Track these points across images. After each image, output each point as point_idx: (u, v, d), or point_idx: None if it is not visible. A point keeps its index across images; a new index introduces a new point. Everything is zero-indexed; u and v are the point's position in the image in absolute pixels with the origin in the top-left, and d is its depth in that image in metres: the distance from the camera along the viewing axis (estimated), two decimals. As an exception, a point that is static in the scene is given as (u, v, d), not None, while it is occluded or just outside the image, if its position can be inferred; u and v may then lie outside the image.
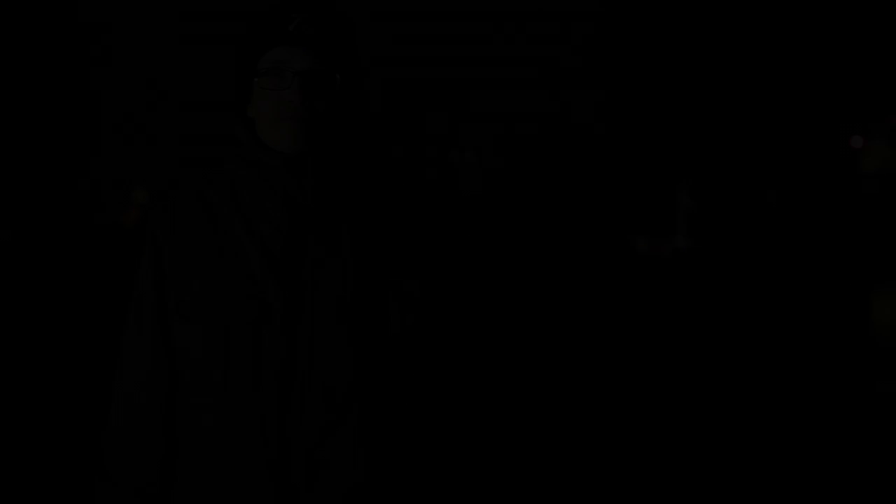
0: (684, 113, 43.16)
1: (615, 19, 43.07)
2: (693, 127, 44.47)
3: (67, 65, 42.24)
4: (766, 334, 19.08)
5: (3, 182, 41.26)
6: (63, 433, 11.54)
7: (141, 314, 3.03)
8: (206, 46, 40.83)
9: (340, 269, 2.90)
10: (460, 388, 3.08)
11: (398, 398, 2.96)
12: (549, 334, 18.02)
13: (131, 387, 3.05)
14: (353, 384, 2.89)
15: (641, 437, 10.82)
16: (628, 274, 32.04)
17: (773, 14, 43.11)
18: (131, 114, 43.48)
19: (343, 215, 2.94)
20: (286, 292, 2.89)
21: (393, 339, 2.93)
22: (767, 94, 43.62)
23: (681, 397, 12.94)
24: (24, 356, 16.83)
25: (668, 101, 42.91)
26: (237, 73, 2.98)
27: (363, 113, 3.00)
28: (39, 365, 16.65)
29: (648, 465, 9.46)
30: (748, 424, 11.36)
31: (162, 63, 42.90)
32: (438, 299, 3.01)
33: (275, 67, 2.87)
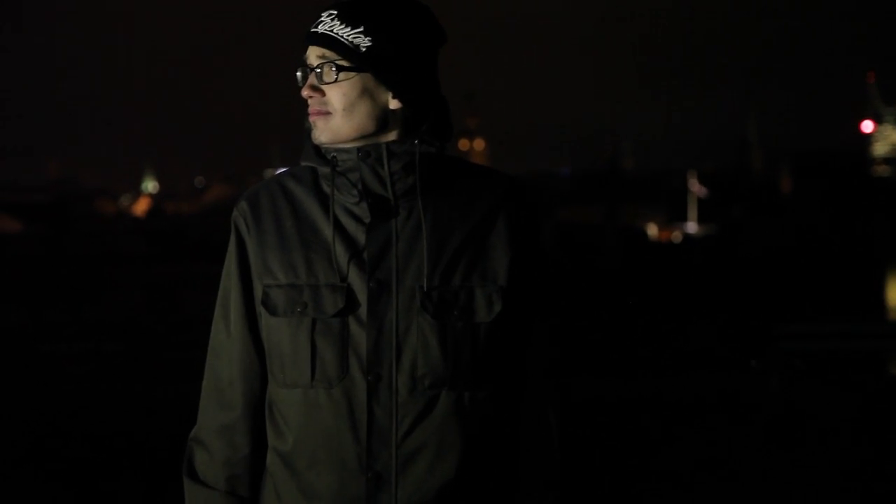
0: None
1: None
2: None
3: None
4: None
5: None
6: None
7: (227, 308, 3.06)
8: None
9: (423, 259, 2.91)
10: (555, 376, 3.02)
11: (489, 386, 2.95)
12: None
13: (221, 381, 3.07)
14: (441, 373, 2.89)
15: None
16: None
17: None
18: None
19: (426, 205, 2.95)
20: (371, 283, 2.90)
21: (481, 327, 2.93)
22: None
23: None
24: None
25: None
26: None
27: (435, 101, 2.99)
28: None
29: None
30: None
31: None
32: (526, 287, 3.01)
33: (300, 67, 2.97)
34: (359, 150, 2.93)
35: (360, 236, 2.93)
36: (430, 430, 2.88)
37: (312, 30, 2.95)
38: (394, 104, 2.94)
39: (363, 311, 2.90)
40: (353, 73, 2.90)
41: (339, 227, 2.94)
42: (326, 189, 2.99)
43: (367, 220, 2.95)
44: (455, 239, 2.95)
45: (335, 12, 2.92)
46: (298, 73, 2.96)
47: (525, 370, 3.04)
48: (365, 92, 2.91)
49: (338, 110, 2.92)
